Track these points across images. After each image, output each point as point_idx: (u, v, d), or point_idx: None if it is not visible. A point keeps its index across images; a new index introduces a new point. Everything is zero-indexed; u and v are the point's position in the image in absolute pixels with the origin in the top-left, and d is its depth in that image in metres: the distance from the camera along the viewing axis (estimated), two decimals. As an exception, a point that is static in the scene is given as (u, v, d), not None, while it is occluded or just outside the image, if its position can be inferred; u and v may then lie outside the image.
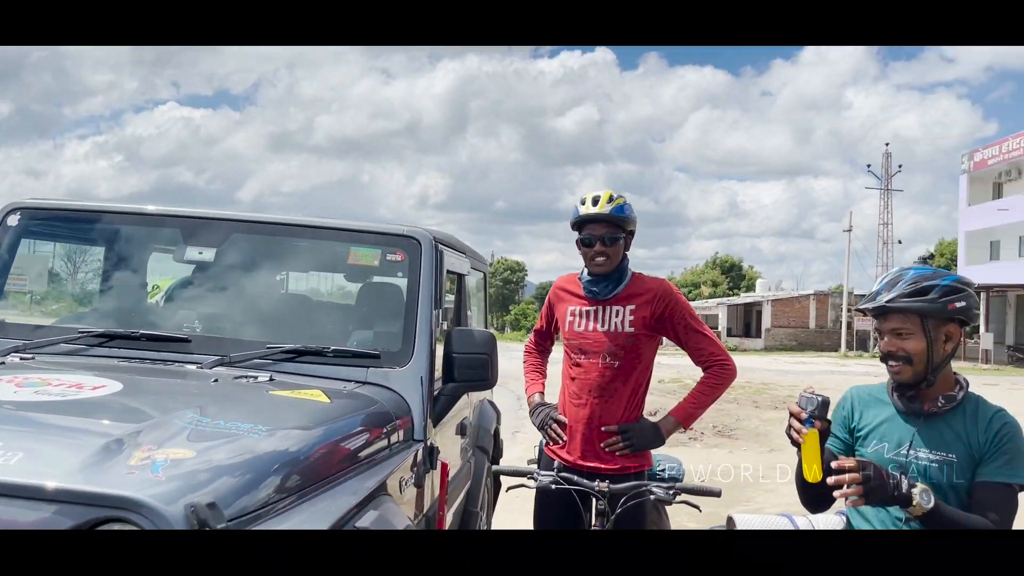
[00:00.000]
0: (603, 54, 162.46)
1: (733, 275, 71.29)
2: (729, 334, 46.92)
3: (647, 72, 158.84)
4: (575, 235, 3.02)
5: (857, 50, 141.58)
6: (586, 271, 3.04)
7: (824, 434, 2.09)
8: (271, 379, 2.66)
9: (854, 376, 24.82)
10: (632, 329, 2.95)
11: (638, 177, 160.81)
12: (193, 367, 2.76)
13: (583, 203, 2.97)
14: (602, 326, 2.97)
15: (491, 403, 4.80)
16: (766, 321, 45.73)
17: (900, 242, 45.46)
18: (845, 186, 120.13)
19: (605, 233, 2.93)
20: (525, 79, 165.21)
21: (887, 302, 2.10)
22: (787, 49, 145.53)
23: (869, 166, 43.32)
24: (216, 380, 2.59)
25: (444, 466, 3.04)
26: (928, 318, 2.09)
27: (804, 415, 2.06)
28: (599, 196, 2.95)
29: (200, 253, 3.17)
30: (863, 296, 2.21)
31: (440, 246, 3.21)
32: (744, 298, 52.57)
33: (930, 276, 2.12)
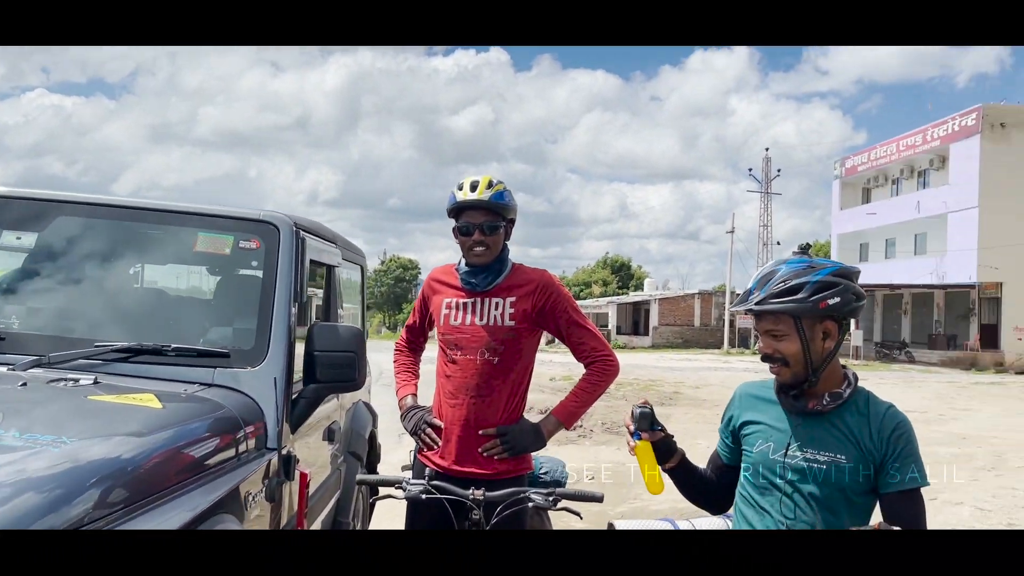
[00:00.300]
0: (497, 54, 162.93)
1: (623, 275, 72.82)
2: (619, 332, 47.82)
3: (540, 74, 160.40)
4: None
5: (740, 59, 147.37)
6: (463, 261, 2.82)
7: (661, 444, 2.15)
8: (96, 382, 2.31)
9: (736, 372, 25.68)
10: (512, 322, 2.74)
11: (532, 177, 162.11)
12: (3, 369, 2.37)
13: (460, 188, 2.75)
14: (480, 319, 2.75)
15: (366, 405, 4.49)
16: (654, 319, 46.82)
17: (779, 243, 47.43)
18: (728, 190, 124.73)
19: (484, 221, 2.71)
20: (419, 77, 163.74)
21: (756, 304, 1.98)
22: (675, 55, 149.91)
23: (751, 170, 45.10)
24: (24, 384, 2.22)
25: (304, 476, 2.75)
26: (801, 318, 1.97)
27: (632, 428, 2.12)
28: (478, 181, 2.73)
29: (18, 239, 2.76)
30: (742, 297, 2.08)
31: (302, 233, 2.91)
32: (633, 297, 53.72)
33: (802, 272, 1.98)
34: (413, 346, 3.10)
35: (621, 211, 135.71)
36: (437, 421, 2.78)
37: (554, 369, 23.20)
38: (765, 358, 2.01)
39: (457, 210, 2.75)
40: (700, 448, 10.32)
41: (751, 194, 49.12)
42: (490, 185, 2.72)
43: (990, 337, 32.39)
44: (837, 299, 1.96)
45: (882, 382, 22.42)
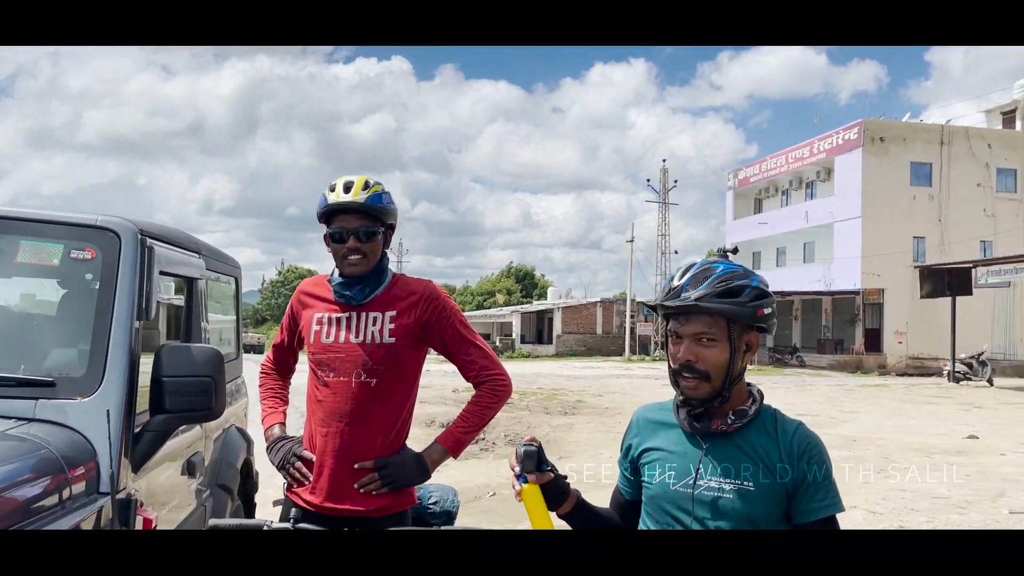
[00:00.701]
0: (399, 63, 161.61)
1: (526, 283, 73.16)
2: (523, 341, 47.89)
3: (444, 83, 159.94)
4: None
5: (639, 73, 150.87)
6: (337, 272, 2.51)
7: (551, 486, 1.89)
8: None
9: (637, 379, 26.00)
10: (393, 339, 2.45)
11: (436, 187, 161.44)
12: None
13: (332, 190, 2.44)
14: (356, 336, 2.45)
15: (240, 430, 4.08)
16: (557, 328, 47.12)
17: (676, 252, 48.58)
18: (628, 200, 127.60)
19: (360, 227, 2.42)
20: (319, 84, 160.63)
21: (696, 300, 1.75)
22: (576, 68, 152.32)
23: (648, 180, 46.04)
24: None
25: (148, 522, 2.39)
26: (735, 323, 1.77)
27: (517, 470, 1.88)
28: (352, 182, 2.44)
29: None
30: (669, 292, 1.82)
31: (150, 241, 2.55)
32: (537, 306, 53.95)
33: (740, 275, 1.79)
34: (281, 368, 2.76)
35: (525, 221, 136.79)
36: (307, 453, 2.47)
37: (458, 380, 22.91)
38: (685, 368, 1.77)
39: (328, 214, 2.45)
40: (603, 458, 10.31)
41: (650, 204, 50.19)
42: (366, 186, 2.43)
43: (874, 341, 33.96)
44: (770, 310, 1.80)
45: (776, 386, 23.08)
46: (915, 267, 29.59)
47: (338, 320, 2.47)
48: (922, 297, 26.65)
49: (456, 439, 2.54)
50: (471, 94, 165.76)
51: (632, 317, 43.71)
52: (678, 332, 1.79)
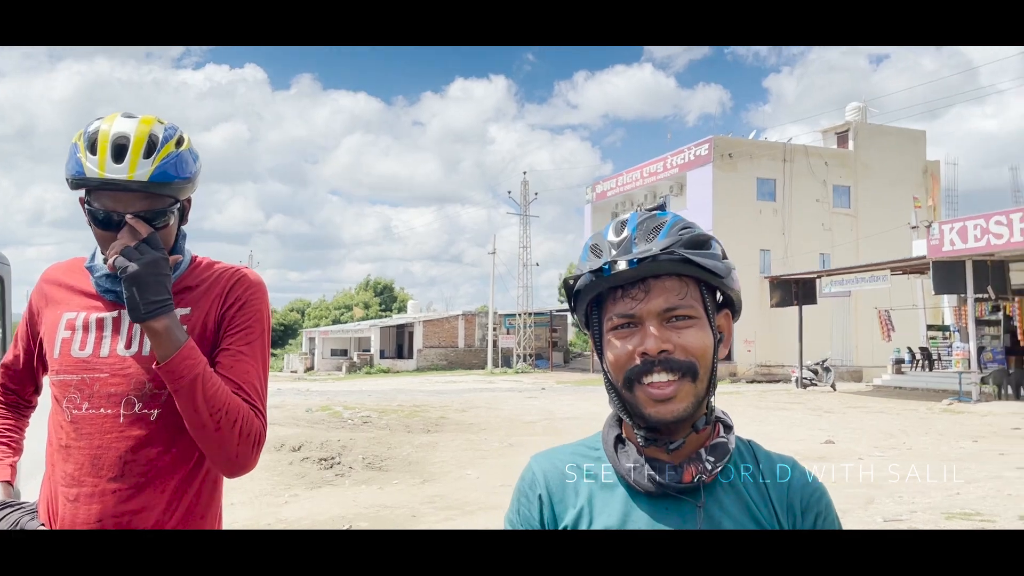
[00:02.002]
0: (254, 71, 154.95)
1: (385, 297, 71.58)
2: (382, 356, 46.58)
3: (300, 93, 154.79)
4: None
5: (499, 89, 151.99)
6: (100, 255, 1.70)
7: None
8: None
9: (500, 391, 25.52)
10: None
11: (291, 198, 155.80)
12: None
13: (92, 150, 1.59)
14: (128, 347, 1.65)
15: None
16: (418, 342, 46.11)
17: (537, 264, 48.83)
18: (489, 214, 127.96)
19: (141, 211, 1.62)
20: (166, 90, 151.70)
21: (663, 251, 1.10)
22: (437, 83, 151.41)
23: (509, 192, 46.05)
24: None
25: None
26: (708, 292, 1.15)
27: None
28: (124, 140, 1.58)
29: None
30: (610, 252, 1.15)
31: None
32: (397, 319, 52.71)
33: (693, 225, 1.17)
34: (11, 400, 1.88)
35: (385, 233, 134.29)
36: (41, 525, 1.63)
37: (311, 399, 21.60)
38: (659, 365, 1.09)
39: (83, 186, 1.62)
40: (469, 479, 9.63)
41: (511, 218, 50.22)
42: (150, 150, 1.59)
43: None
44: (738, 276, 1.19)
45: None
46: (764, 278, 30.78)
47: (99, 323, 1.66)
48: (772, 306, 27.68)
49: (194, 361, 1.62)
50: (329, 104, 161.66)
51: (495, 329, 43.38)
52: (632, 314, 1.11)
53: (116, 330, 1.65)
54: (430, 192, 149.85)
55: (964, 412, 17.80)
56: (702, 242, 1.13)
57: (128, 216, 1.58)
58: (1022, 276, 22.51)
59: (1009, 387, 20.67)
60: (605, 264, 1.10)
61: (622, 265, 1.09)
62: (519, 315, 43.62)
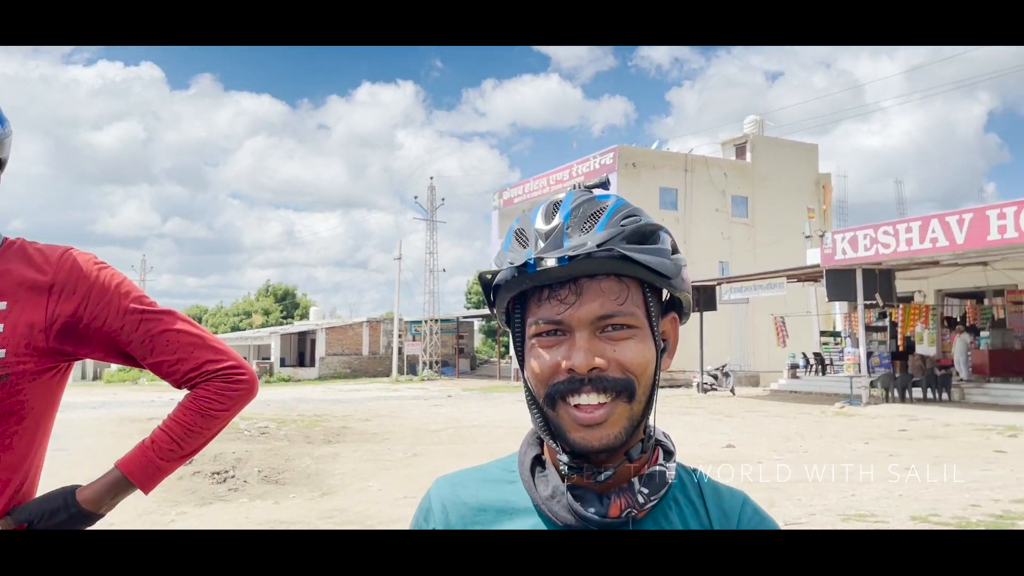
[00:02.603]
0: (150, 69, 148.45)
1: (287, 303, 69.76)
2: (282, 364, 45.26)
3: (200, 93, 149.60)
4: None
5: (407, 95, 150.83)
6: None
7: None
8: None
9: (405, 400, 25.09)
10: (2, 352, 1.41)
11: (190, 201, 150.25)
12: None
13: None
14: None
15: None
16: (320, 350, 45.00)
17: (444, 270, 48.52)
18: (396, 219, 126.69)
19: None
20: (54, 86, 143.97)
21: (600, 246, 0.90)
22: (343, 86, 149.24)
23: (416, 197, 45.53)
24: None
25: None
26: (652, 293, 0.95)
27: None
28: None
29: None
30: (537, 243, 0.94)
31: None
32: (298, 327, 51.36)
33: (638, 211, 0.96)
34: None
35: (288, 238, 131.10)
36: None
37: (152, 409, 20.67)
38: (589, 384, 0.90)
39: None
40: (371, 491, 9.30)
41: (418, 223, 49.78)
42: None
43: (629, 355, 35.69)
44: (688, 274, 1.00)
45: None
46: (666, 285, 31.38)
47: None
48: (674, 313, 28.22)
49: (147, 463, 1.55)
50: (231, 106, 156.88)
51: (400, 336, 42.79)
52: (559, 320, 0.91)
53: None
54: (335, 197, 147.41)
55: (855, 415, 18.52)
56: (647, 234, 0.93)
57: None
58: (907, 284, 23.69)
59: (895, 390, 21.66)
60: (530, 260, 0.90)
61: (549, 262, 0.89)
62: (425, 321, 43.17)
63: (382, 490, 9.28)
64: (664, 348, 0.97)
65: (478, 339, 54.96)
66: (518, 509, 0.97)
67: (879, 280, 20.55)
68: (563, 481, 0.95)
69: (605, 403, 0.90)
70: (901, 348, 23.07)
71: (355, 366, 44.76)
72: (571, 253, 0.88)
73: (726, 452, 12.45)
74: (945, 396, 21.30)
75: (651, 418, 0.96)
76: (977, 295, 24.60)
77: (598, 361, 0.90)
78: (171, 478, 1.65)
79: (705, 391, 26.60)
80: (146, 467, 1.54)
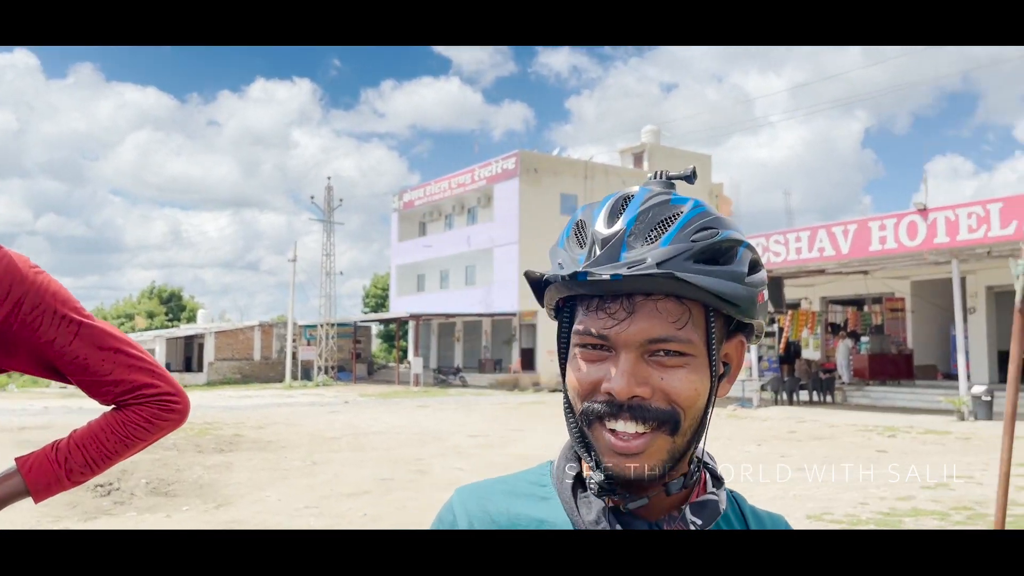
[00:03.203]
0: (24, 57, 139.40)
1: (172, 306, 66.88)
2: (169, 369, 43.17)
3: (79, 84, 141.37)
4: None
5: (303, 92, 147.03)
6: None
7: None
8: None
9: (300, 406, 24.39)
10: None
11: (66, 197, 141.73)
12: None
13: None
14: None
15: None
16: (209, 354, 43.25)
17: (341, 273, 47.56)
18: (290, 220, 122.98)
19: None
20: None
21: (660, 265, 0.79)
22: (235, 82, 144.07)
23: (313, 198, 44.40)
24: None
25: None
26: (715, 318, 0.84)
27: None
28: None
29: None
30: (592, 249, 0.83)
31: None
32: (185, 330, 49.25)
33: (716, 222, 0.85)
34: None
35: (174, 238, 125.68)
36: None
37: (85, 417, 19.46)
38: (628, 411, 0.80)
39: None
40: (269, 502, 8.92)
41: (313, 224, 48.57)
42: None
43: (528, 360, 35.92)
44: (767, 291, 0.89)
45: (443, 407, 23.06)
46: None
47: None
48: (573, 318, 28.59)
49: (53, 477, 1.42)
50: (113, 98, 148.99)
51: (294, 341, 41.65)
52: (606, 336, 0.81)
53: None
54: (225, 195, 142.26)
55: (747, 417, 19.16)
56: (722, 252, 0.82)
57: None
58: (794, 292, 24.75)
59: (784, 393, 22.57)
60: (580, 272, 0.80)
61: (604, 276, 0.78)
62: (321, 325, 42.17)
63: (281, 500, 8.91)
64: (725, 374, 0.88)
65: (376, 344, 54.17)
66: (555, 527, 0.87)
67: (770, 287, 21.28)
68: (606, 504, 0.85)
69: (644, 433, 0.80)
70: (783, 352, 24.07)
71: (246, 371, 43.28)
72: (625, 272, 0.78)
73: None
74: (829, 399, 22.36)
75: (699, 448, 0.87)
76: (858, 302, 25.95)
77: (640, 390, 0.80)
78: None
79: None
80: (50, 481, 1.40)
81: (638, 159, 40.48)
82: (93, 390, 1.47)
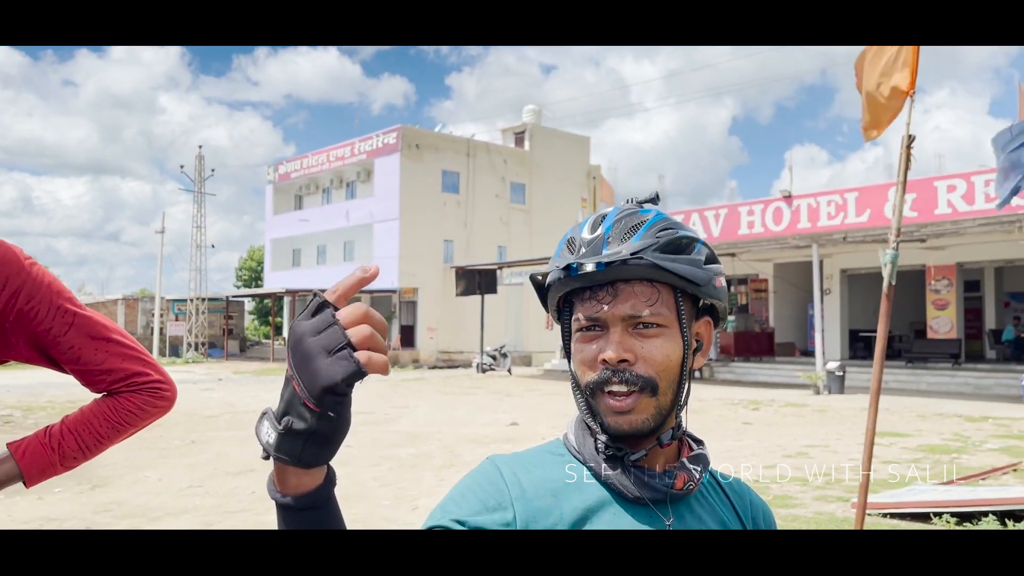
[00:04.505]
0: None
1: (25, 278, 62.42)
2: (21, 345, 40.53)
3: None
4: None
5: (171, 56, 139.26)
6: None
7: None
8: None
9: (182, 384, 23.39)
10: None
11: None
12: None
13: None
14: None
15: None
16: (68, 329, 40.76)
17: (213, 246, 45.70)
18: (155, 189, 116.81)
19: None
20: None
21: (633, 254, 1.01)
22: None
23: (183, 167, 42.52)
24: None
25: None
26: (683, 298, 1.06)
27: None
28: None
29: None
30: (581, 249, 1.00)
31: None
32: (40, 304, 46.07)
33: (680, 226, 1.09)
34: None
35: (24, 205, 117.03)
36: None
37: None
38: (615, 375, 1.00)
39: None
40: (149, 482, 8.63)
41: (181, 195, 46.35)
42: None
43: (408, 337, 35.84)
44: (723, 281, 1.12)
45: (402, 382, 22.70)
46: (450, 268, 31.83)
47: None
48: (457, 295, 28.72)
49: (47, 464, 1.46)
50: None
51: (162, 316, 39.83)
52: (596, 317, 1.03)
53: None
54: (82, 161, 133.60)
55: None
56: (682, 246, 1.04)
57: None
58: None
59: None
60: (573, 264, 1.02)
61: (589, 267, 1.01)
62: (191, 300, 40.49)
63: (162, 480, 8.65)
64: (698, 348, 1.08)
65: (248, 320, 52.52)
66: (584, 484, 1.04)
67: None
68: (598, 454, 1.04)
69: (632, 392, 1.01)
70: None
71: (109, 347, 41.07)
72: (607, 259, 1.00)
73: (511, 430, 12.93)
74: (697, 374, 23.51)
75: (683, 409, 1.07)
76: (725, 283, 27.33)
77: (626, 355, 1.01)
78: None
79: (484, 371, 27.36)
80: (44, 466, 1.44)
81: (519, 138, 40.86)
82: (87, 378, 1.54)
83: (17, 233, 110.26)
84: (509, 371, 27.17)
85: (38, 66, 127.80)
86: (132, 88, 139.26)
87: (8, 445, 1.43)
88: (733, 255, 23.80)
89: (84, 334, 1.50)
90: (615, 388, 1.00)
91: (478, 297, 28.28)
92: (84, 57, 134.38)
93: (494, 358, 27.71)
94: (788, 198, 19.48)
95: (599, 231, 1.04)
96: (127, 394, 1.55)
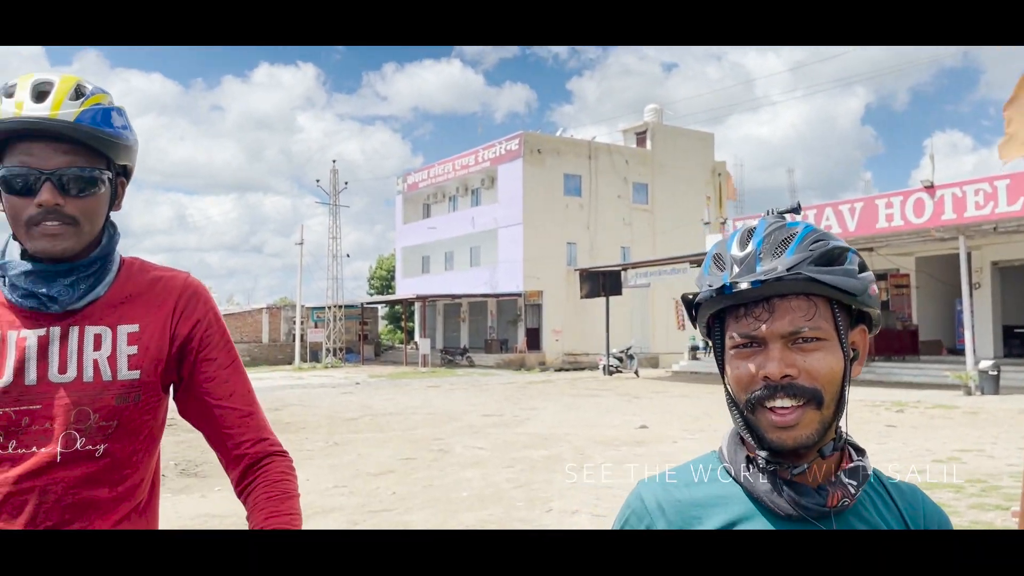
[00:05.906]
0: (29, 47, 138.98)
1: (179, 290, 67.04)
2: (177, 353, 43.56)
3: (84, 70, 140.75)
4: None
5: (307, 77, 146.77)
6: (17, 249, 1.39)
7: None
8: None
9: (312, 388, 24.64)
10: (136, 372, 1.40)
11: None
12: None
13: (9, 95, 1.32)
14: (64, 370, 1.36)
15: None
16: (217, 337, 43.50)
17: (348, 255, 47.69)
18: (294, 203, 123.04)
19: (67, 166, 1.33)
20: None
21: (790, 270, 1.01)
22: (239, 67, 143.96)
23: (318, 181, 44.59)
24: None
25: None
26: (839, 310, 1.06)
27: None
28: (48, 84, 1.34)
29: None
30: (733, 268, 1.05)
31: None
32: (193, 314, 49.40)
33: (831, 236, 1.08)
34: None
35: (179, 223, 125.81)
36: None
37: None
38: (781, 391, 1.01)
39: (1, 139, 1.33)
40: (299, 481, 9.13)
41: (317, 208, 48.64)
42: (78, 94, 1.35)
43: (534, 340, 36.16)
44: (876, 288, 1.10)
45: (454, 388, 23.30)
46: (575, 270, 31.94)
47: (24, 343, 1.35)
48: (582, 297, 28.76)
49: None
50: (118, 84, 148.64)
51: (302, 323, 41.91)
52: (753, 335, 1.03)
53: (44, 352, 1.35)
54: (229, 180, 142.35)
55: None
56: (835, 257, 1.04)
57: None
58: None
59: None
60: (727, 283, 1.02)
61: (744, 285, 1.01)
62: (328, 307, 42.40)
63: (309, 480, 9.15)
64: (854, 357, 1.08)
65: (381, 325, 54.42)
66: (733, 502, 1.06)
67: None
68: (761, 473, 1.05)
69: (797, 407, 1.01)
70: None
71: (255, 354, 43.58)
72: (762, 277, 1.00)
73: (641, 433, 12.85)
74: (835, 375, 22.51)
75: (843, 420, 1.07)
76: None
77: (789, 370, 1.00)
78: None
79: (611, 373, 27.26)
80: None
81: (641, 138, 40.46)
82: (226, 437, 1.48)
83: (174, 249, 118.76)
84: (636, 373, 26.94)
85: (189, 94, 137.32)
86: (273, 109, 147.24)
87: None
88: (871, 250, 22.71)
89: (243, 379, 1.52)
90: (778, 403, 1.00)
91: (603, 299, 28.21)
92: (229, 82, 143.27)
93: (620, 360, 27.55)
94: (930, 188, 18.45)
95: (750, 247, 1.03)
96: (266, 465, 1.50)
